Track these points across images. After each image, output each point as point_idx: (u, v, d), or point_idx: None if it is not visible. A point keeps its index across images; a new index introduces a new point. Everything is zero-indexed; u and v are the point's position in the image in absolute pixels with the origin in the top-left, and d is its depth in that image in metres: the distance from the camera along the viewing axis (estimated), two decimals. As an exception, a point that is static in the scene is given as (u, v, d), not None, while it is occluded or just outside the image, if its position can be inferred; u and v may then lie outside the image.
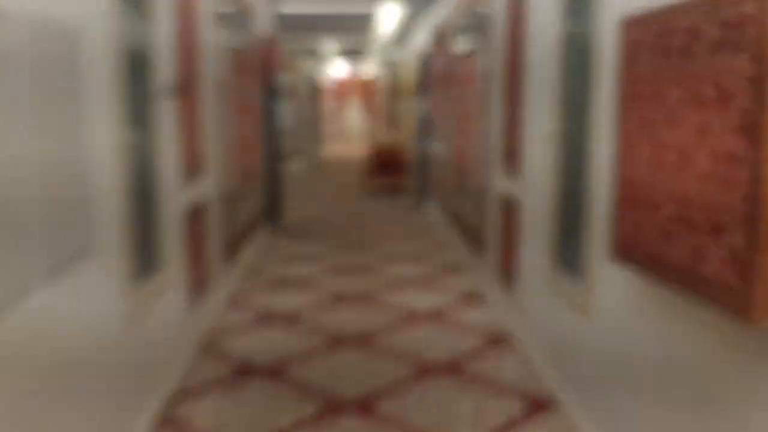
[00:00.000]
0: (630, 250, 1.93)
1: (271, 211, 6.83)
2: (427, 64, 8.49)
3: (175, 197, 3.09)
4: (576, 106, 2.69)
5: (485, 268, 4.57)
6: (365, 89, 24.66)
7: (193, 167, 3.40)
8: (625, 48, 1.94)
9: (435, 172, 7.34)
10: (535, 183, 3.29)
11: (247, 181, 5.23)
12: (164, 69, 2.90)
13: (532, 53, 3.31)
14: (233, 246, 4.62)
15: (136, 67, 2.63)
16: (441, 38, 6.77)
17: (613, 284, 2.24)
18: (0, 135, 1.55)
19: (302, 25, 10.25)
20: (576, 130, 2.68)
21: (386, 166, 10.31)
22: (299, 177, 12.49)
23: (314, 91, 14.91)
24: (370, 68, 21.18)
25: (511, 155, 3.76)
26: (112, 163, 2.30)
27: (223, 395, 3.01)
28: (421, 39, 9.03)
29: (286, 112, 13.99)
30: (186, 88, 3.25)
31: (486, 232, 4.53)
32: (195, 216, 3.48)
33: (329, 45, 14.00)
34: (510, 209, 3.82)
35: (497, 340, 3.67)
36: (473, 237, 5.04)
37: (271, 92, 6.69)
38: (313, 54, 14.65)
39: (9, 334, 1.58)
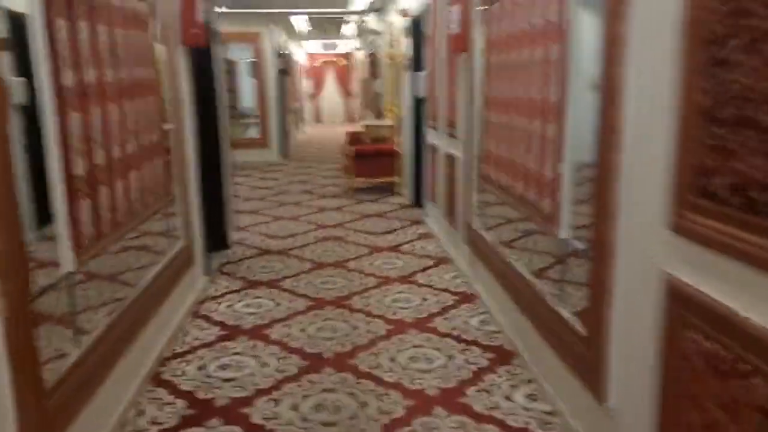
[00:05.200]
0: None
1: (209, 240, 4.25)
2: (421, 26, 5.91)
3: None
4: None
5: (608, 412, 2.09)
6: (342, 66, 21.78)
7: None
8: None
9: (447, 179, 4.80)
10: None
11: (134, 218, 2.66)
12: None
13: None
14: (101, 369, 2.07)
15: None
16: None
17: None
18: None
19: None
20: None
21: (370, 158, 7.73)
22: (264, 170, 9.81)
23: (284, 69, 12.09)
24: (347, 43, 18.31)
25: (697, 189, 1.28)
26: None
27: None
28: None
29: (249, 92, 11.27)
30: None
31: (591, 323, 2.05)
32: None
33: (300, 16, 11.21)
34: (680, 302, 1.34)
35: None
36: (551, 323, 2.53)
37: (199, 62, 4.04)
38: (282, 26, 11.85)
39: None
